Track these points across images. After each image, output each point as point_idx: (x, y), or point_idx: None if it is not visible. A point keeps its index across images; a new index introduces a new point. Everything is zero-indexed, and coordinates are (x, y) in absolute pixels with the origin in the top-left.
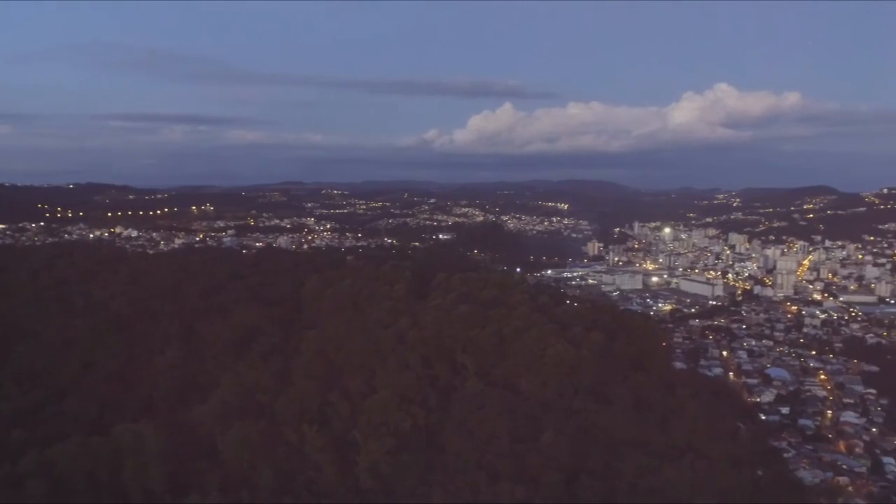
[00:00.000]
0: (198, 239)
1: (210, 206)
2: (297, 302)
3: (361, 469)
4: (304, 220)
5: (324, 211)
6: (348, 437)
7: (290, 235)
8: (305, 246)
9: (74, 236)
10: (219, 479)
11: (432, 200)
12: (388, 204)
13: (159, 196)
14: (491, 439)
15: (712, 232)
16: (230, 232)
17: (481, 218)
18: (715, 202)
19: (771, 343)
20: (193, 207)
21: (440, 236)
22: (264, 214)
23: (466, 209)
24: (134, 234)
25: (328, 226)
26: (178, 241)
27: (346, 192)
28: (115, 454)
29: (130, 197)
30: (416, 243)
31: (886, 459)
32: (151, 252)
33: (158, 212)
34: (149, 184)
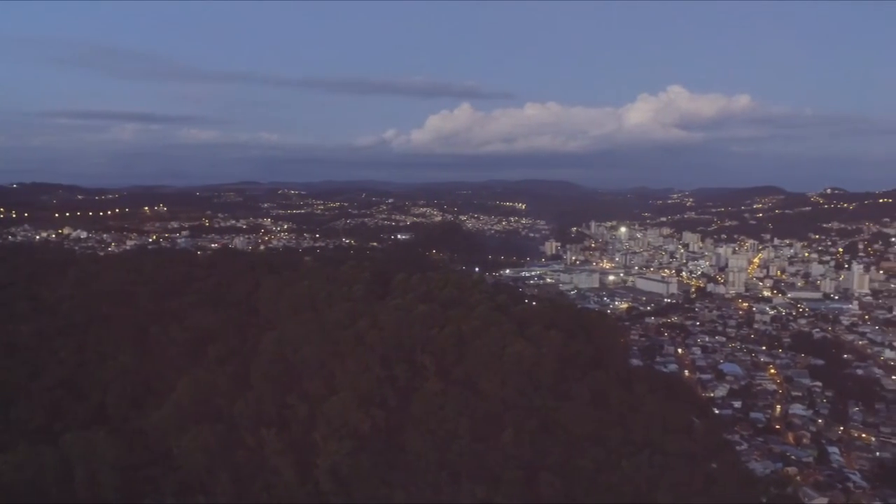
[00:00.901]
0: (151, 240)
1: (163, 206)
2: (254, 304)
3: (321, 471)
4: (260, 220)
5: (281, 211)
6: (308, 440)
7: (247, 236)
8: (262, 247)
9: (19, 238)
10: (174, 485)
11: (390, 200)
12: (345, 204)
13: (110, 196)
14: (451, 438)
15: (667, 231)
16: (184, 233)
17: (440, 218)
18: (669, 202)
19: (724, 339)
20: (146, 208)
21: (399, 236)
22: (220, 215)
23: (425, 209)
24: (83, 235)
25: (285, 226)
26: (130, 243)
27: (303, 193)
28: (64, 463)
29: (79, 197)
30: (375, 243)
31: (831, 449)
32: (102, 254)
33: (109, 212)
34: (99, 183)
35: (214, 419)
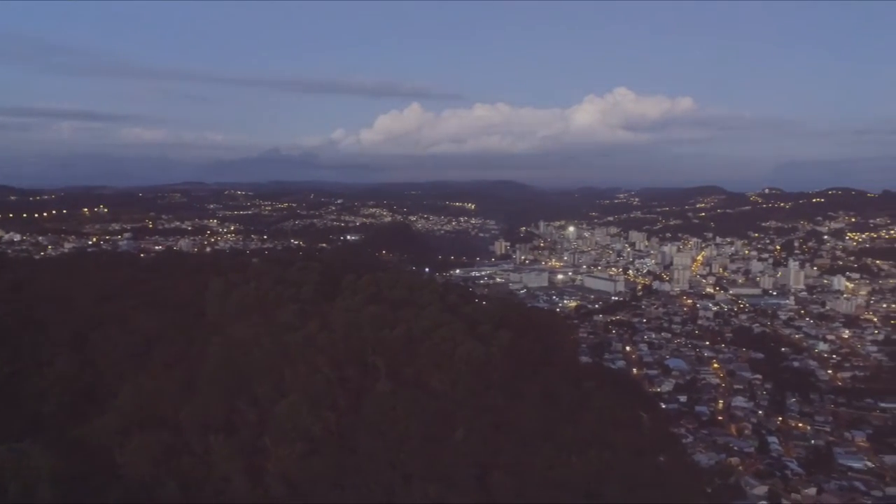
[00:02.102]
0: (91, 243)
1: (104, 207)
2: (201, 306)
3: (272, 476)
4: (206, 221)
5: (227, 212)
6: (257, 444)
7: (192, 238)
8: (208, 248)
9: None
10: (118, 496)
11: (339, 201)
12: (294, 205)
13: (46, 197)
14: (403, 439)
15: (614, 230)
16: (126, 235)
17: (389, 218)
18: (616, 201)
19: (669, 335)
20: (85, 209)
21: (348, 237)
22: (163, 216)
23: (374, 210)
24: (17, 238)
25: (232, 227)
26: (67, 246)
27: (250, 193)
28: None
29: (12, 198)
30: (324, 244)
31: (771, 439)
32: (38, 257)
33: (45, 214)
34: (34, 184)
35: (160, 426)
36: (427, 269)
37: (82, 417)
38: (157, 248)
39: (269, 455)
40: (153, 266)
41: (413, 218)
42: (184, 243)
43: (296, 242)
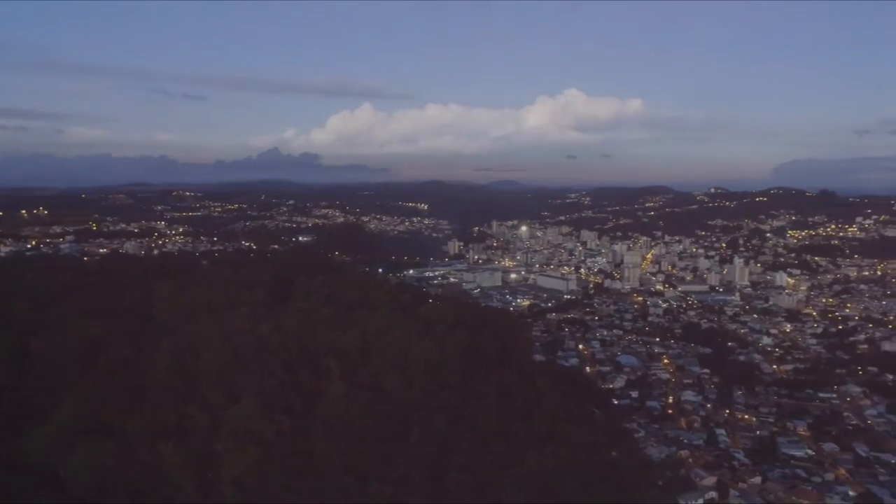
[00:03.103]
0: (30, 246)
1: (44, 209)
2: (149, 310)
3: (224, 482)
4: (153, 223)
5: (175, 214)
6: (209, 451)
7: (139, 240)
8: (156, 251)
9: None
10: None
11: (291, 202)
12: (244, 206)
13: None
14: (359, 441)
15: (565, 229)
16: (69, 238)
17: (342, 219)
18: (567, 201)
19: (621, 332)
20: (23, 212)
21: (300, 238)
22: (108, 218)
23: (326, 210)
24: None
25: (181, 229)
26: (4, 250)
27: (199, 194)
28: None
29: None
30: (276, 246)
31: (719, 431)
32: None
33: None
34: None
35: (106, 435)
36: (380, 270)
37: (22, 429)
38: (101, 250)
39: (222, 461)
40: (98, 269)
41: (366, 218)
42: (130, 246)
43: (247, 244)
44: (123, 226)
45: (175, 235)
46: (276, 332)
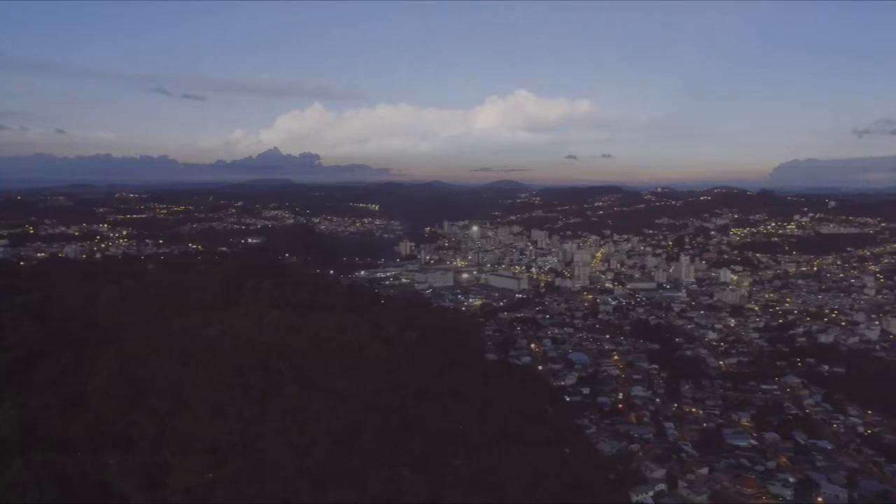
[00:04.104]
0: None
1: None
2: (91, 316)
3: (174, 491)
4: (95, 226)
5: (119, 216)
6: (157, 459)
7: (80, 244)
8: (98, 255)
9: None
10: None
11: (240, 203)
12: (191, 208)
13: None
14: (312, 444)
15: (516, 229)
16: (3, 242)
17: (292, 220)
18: (518, 201)
19: (572, 330)
20: None
21: (249, 240)
22: (46, 221)
23: (276, 212)
24: None
25: (124, 232)
26: None
27: (144, 196)
28: None
29: None
30: (224, 248)
31: (667, 424)
32: None
33: None
34: None
35: (45, 447)
36: (332, 272)
37: None
38: (39, 255)
39: (171, 469)
40: (35, 274)
41: (316, 220)
42: (70, 249)
43: (194, 247)
44: (63, 229)
45: (119, 238)
46: (225, 336)
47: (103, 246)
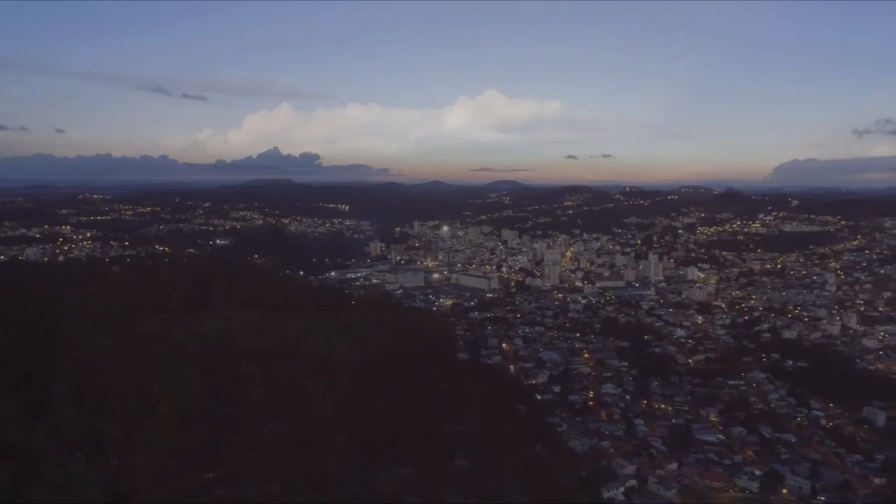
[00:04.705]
0: None
1: None
2: (54, 320)
3: (141, 496)
4: (58, 228)
5: (83, 218)
6: (124, 464)
7: (42, 246)
8: (61, 257)
9: None
10: None
11: (207, 204)
12: (158, 209)
13: None
14: (283, 447)
15: (487, 229)
16: None
17: (261, 221)
18: (488, 201)
19: (542, 329)
20: None
21: (217, 241)
22: (6, 223)
23: (245, 213)
24: None
25: (88, 234)
26: None
27: (108, 197)
28: None
29: None
30: (192, 250)
31: (637, 421)
32: None
33: None
34: None
35: (7, 455)
36: (301, 273)
37: None
38: None
39: (138, 474)
40: None
41: (286, 220)
42: (31, 252)
43: (161, 248)
44: (23, 231)
45: (82, 240)
46: (193, 339)
47: (66, 248)
